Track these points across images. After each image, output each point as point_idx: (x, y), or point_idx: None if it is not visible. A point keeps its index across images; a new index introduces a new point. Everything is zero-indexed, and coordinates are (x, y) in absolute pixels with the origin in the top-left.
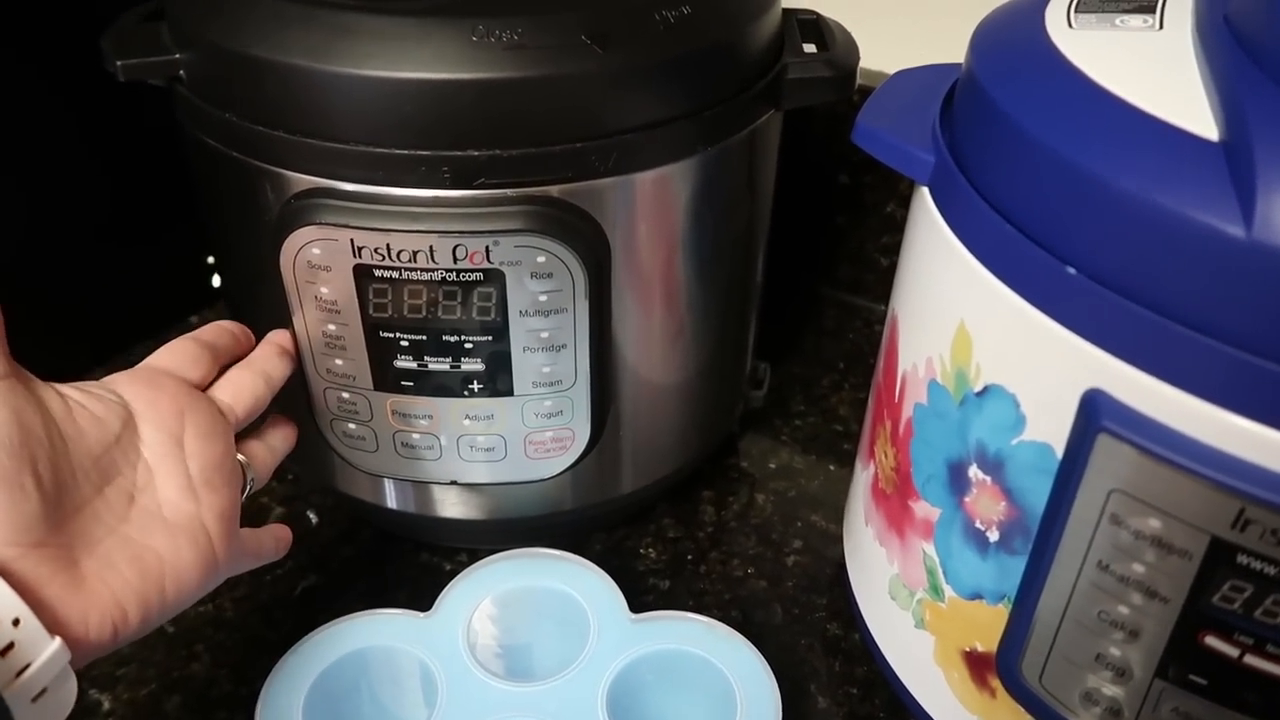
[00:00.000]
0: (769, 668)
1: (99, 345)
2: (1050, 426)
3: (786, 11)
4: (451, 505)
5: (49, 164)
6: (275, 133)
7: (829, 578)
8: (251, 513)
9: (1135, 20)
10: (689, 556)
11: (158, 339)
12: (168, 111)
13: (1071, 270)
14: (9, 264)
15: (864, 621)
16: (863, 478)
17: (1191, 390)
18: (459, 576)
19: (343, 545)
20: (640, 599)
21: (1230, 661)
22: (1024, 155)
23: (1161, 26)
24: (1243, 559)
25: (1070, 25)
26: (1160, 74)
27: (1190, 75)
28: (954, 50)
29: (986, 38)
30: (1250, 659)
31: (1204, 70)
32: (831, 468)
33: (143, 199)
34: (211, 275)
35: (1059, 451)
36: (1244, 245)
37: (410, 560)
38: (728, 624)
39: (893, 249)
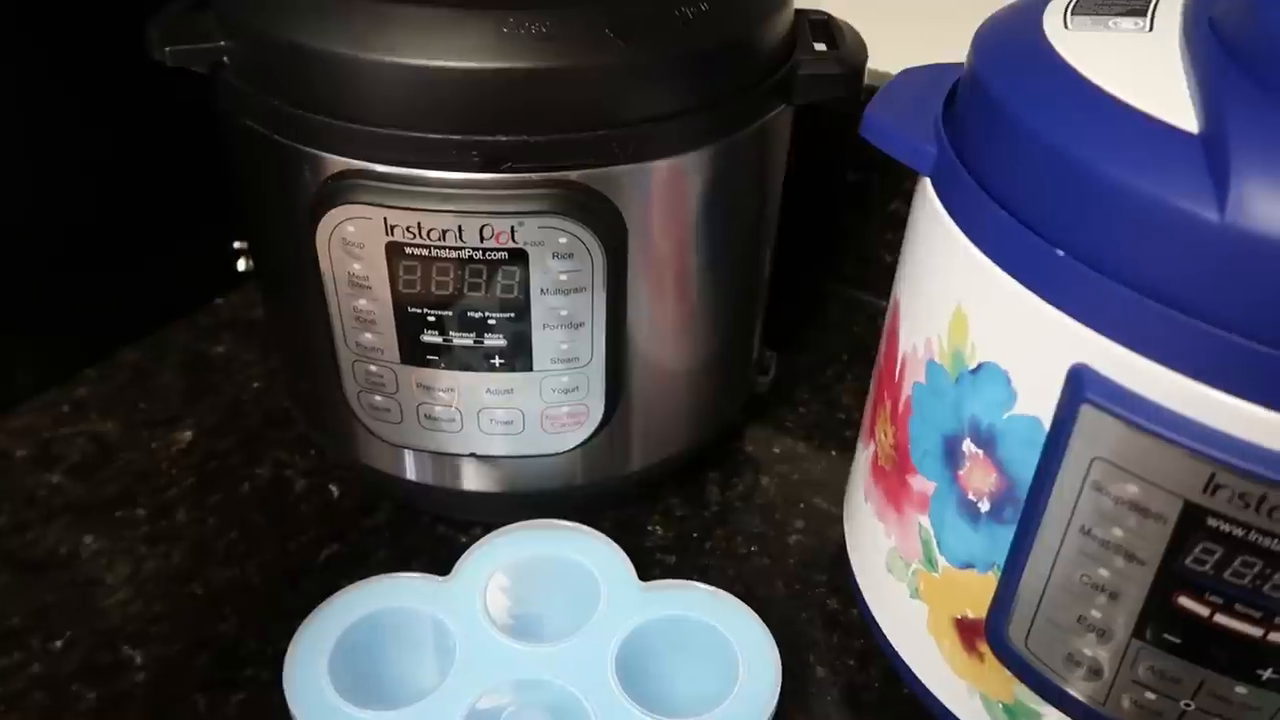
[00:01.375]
0: (771, 635)
1: (126, 329)
2: (1039, 400)
3: (799, 11)
4: (469, 478)
5: (78, 151)
6: (317, 117)
7: (830, 557)
8: (276, 486)
9: (1127, 23)
10: (694, 534)
11: (186, 321)
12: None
13: (1061, 253)
14: (43, 251)
15: (862, 595)
16: (863, 457)
17: (1168, 364)
18: (476, 545)
19: (363, 517)
20: (648, 573)
21: (1201, 620)
22: (1020, 147)
23: (1151, 29)
24: (1213, 522)
25: (1066, 27)
26: (1148, 72)
27: (1176, 73)
28: (954, 53)
29: (987, 39)
30: (1219, 617)
31: (1188, 68)
32: (833, 454)
33: (170, 186)
34: (236, 260)
35: (1046, 424)
36: (1218, 229)
37: (427, 532)
38: None
39: (896, 246)
